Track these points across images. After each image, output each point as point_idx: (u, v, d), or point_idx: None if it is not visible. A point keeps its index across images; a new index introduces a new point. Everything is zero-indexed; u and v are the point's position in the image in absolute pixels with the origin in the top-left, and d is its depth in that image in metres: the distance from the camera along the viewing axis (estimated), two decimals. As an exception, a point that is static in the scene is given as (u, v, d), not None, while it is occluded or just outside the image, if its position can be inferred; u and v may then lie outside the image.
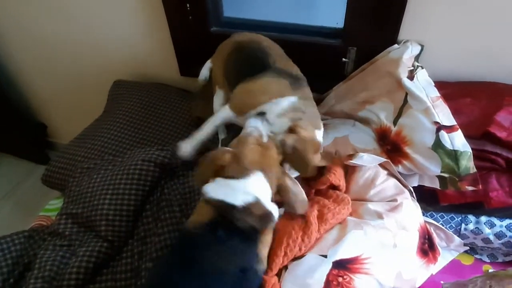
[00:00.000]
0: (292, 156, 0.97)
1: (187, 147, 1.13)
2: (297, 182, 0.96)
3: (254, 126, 0.99)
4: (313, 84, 1.45)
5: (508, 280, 0.63)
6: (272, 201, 0.91)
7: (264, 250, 0.91)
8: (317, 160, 1.03)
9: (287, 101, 1.04)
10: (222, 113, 1.16)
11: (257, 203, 0.87)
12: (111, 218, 1.13)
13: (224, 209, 0.86)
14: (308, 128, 1.01)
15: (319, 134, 1.05)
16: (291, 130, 1.00)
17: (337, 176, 1.09)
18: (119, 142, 1.41)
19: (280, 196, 0.93)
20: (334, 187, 1.11)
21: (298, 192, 0.95)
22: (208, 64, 1.36)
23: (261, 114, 1.03)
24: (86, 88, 1.93)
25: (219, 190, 0.89)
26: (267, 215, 0.88)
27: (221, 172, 0.90)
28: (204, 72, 1.38)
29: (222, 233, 0.85)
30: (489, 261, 1.19)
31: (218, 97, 1.30)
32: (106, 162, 1.30)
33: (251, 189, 0.88)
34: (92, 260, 1.07)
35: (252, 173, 0.89)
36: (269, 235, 0.93)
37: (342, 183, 1.11)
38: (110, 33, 1.65)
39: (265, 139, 0.97)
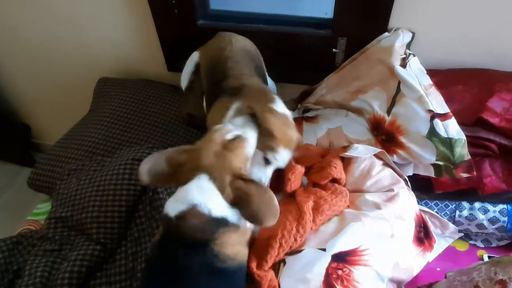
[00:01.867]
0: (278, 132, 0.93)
1: None
2: (268, 190, 0.84)
3: (223, 126, 0.93)
4: (303, 76, 1.44)
5: (510, 263, 0.63)
6: (229, 203, 0.83)
7: (227, 249, 0.83)
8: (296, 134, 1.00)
9: (232, 110, 1.01)
10: None
11: (192, 210, 0.79)
12: (102, 220, 1.10)
13: (166, 223, 0.82)
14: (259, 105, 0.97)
15: (278, 106, 1.00)
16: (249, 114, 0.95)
17: (338, 170, 1.08)
18: (107, 142, 1.37)
19: (241, 207, 0.82)
20: (334, 180, 1.10)
21: (265, 201, 0.82)
22: (194, 58, 1.32)
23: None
24: (70, 86, 1.87)
25: (170, 201, 0.84)
26: (211, 221, 0.80)
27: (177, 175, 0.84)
28: (189, 69, 1.33)
29: (169, 250, 0.81)
30: (483, 246, 1.21)
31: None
32: (95, 162, 1.27)
33: (188, 195, 0.80)
34: (84, 264, 1.04)
35: (195, 177, 0.82)
36: (230, 235, 0.84)
37: (343, 176, 1.10)
38: (93, 29, 1.60)
39: (229, 136, 0.88)
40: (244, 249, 0.89)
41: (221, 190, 0.81)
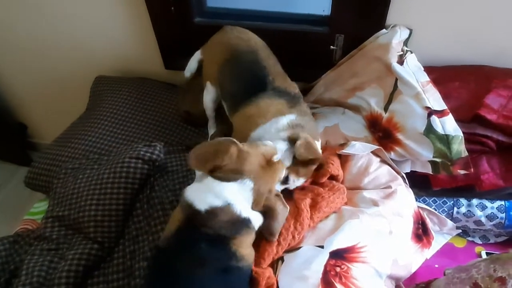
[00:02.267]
0: (306, 165, 1.00)
1: None
2: (287, 210, 0.94)
3: (274, 146, 0.97)
4: (301, 73, 1.44)
5: (509, 260, 0.64)
6: (252, 209, 0.88)
7: (242, 249, 0.86)
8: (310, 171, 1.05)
9: (286, 119, 1.04)
10: None
11: (226, 208, 0.83)
12: (99, 219, 1.09)
13: (190, 214, 0.83)
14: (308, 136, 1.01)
15: (318, 145, 1.06)
16: (291, 139, 0.99)
17: (335, 166, 1.08)
18: (104, 140, 1.36)
19: (264, 217, 0.90)
20: (331, 177, 1.10)
21: (281, 222, 0.93)
22: (197, 56, 1.32)
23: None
24: (66, 85, 1.86)
25: (195, 191, 0.86)
26: (239, 221, 0.84)
27: (217, 169, 0.87)
28: (192, 64, 1.33)
29: (189, 241, 0.83)
30: (481, 242, 1.21)
31: (209, 93, 1.26)
32: (92, 161, 1.26)
33: (226, 194, 0.84)
34: (82, 263, 1.03)
35: (241, 179, 0.86)
36: (245, 237, 0.87)
37: (340, 173, 1.10)
38: (89, 27, 1.59)
39: (275, 158, 0.93)
40: (252, 251, 0.91)
41: (256, 199, 0.87)
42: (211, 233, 0.82)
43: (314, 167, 1.04)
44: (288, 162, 0.98)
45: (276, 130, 1.02)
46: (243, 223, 0.85)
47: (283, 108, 1.06)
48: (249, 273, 0.89)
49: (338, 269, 0.93)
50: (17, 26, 1.67)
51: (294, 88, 1.14)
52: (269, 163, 0.91)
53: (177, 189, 1.18)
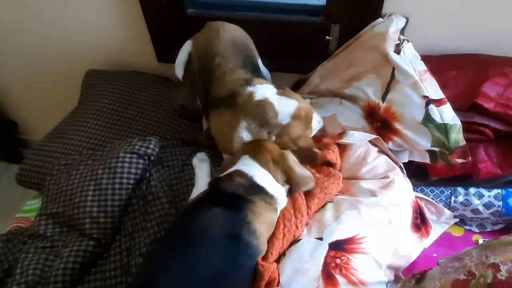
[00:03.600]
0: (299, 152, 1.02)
1: None
2: (300, 164, 1.00)
3: None
4: (296, 64, 1.42)
5: (502, 248, 0.64)
6: (280, 183, 0.96)
7: (257, 222, 0.90)
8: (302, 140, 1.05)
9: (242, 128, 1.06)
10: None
11: (240, 171, 0.93)
12: (95, 215, 1.07)
13: (213, 181, 0.95)
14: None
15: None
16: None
17: (335, 154, 1.07)
18: (98, 135, 1.34)
19: (288, 178, 0.97)
20: (329, 164, 1.09)
21: (302, 172, 0.99)
22: (187, 47, 1.28)
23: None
24: (56, 80, 1.82)
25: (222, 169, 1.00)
26: (253, 184, 0.92)
27: None
28: (182, 58, 1.29)
29: (209, 202, 0.91)
30: (478, 231, 1.22)
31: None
32: (85, 157, 1.23)
33: (236, 167, 0.95)
34: (78, 261, 1.01)
35: (237, 159, 0.98)
36: (264, 209, 0.92)
37: (338, 161, 1.10)
38: (78, 20, 1.55)
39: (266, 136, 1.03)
40: (266, 233, 0.93)
41: (263, 165, 0.96)
42: (228, 193, 0.90)
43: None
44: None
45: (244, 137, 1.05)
46: (259, 189, 0.92)
47: (233, 120, 1.06)
48: (254, 258, 0.88)
49: (338, 260, 0.92)
50: (3, 21, 1.62)
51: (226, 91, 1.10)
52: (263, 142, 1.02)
53: (173, 184, 1.17)
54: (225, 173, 0.96)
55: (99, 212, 1.07)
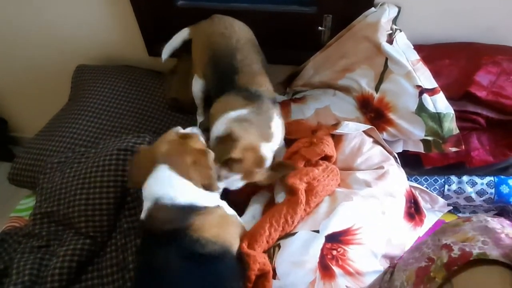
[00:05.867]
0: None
1: None
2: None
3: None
4: (289, 55, 1.41)
5: (451, 229, 0.68)
6: (199, 186, 0.87)
7: (206, 232, 0.83)
8: (259, 175, 1.00)
9: (236, 112, 1.02)
10: None
11: (156, 205, 0.81)
12: (90, 213, 1.07)
13: (141, 227, 0.86)
14: (248, 136, 0.97)
15: (265, 147, 1.00)
16: (227, 137, 0.96)
17: (330, 147, 1.07)
18: (90, 132, 1.32)
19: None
20: (325, 158, 1.09)
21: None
22: (183, 34, 1.27)
23: None
24: (46, 76, 1.79)
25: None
26: (179, 210, 0.81)
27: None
28: (175, 42, 1.28)
29: (148, 250, 0.82)
30: (471, 218, 1.23)
31: (198, 83, 1.25)
32: (79, 154, 1.22)
33: (151, 191, 0.83)
34: (75, 259, 1.01)
35: (154, 170, 0.84)
36: (205, 219, 0.84)
37: (334, 154, 1.10)
38: (66, 14, 1.52)
39: (184, 131, 0.93)
40: (224, 232, 0.88)
41: (186, 175, 0.83)
42: (160, 234, 0.80)
43: (239, 166, 0.96)
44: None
45: (221, 121, 1.01)
46: (186, 209, 0.82)
47: (237, 104, 1.05)
48: (228, 258, 0.86)
49: (334, 252, 0.93)
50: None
51: (259, 86, 1.11)
52: (181, 137, 0.91)
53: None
54: (144, 209, 0.84)
55: (94, 210, 1.07)
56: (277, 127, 1.06)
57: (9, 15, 1.57)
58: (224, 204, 0.94)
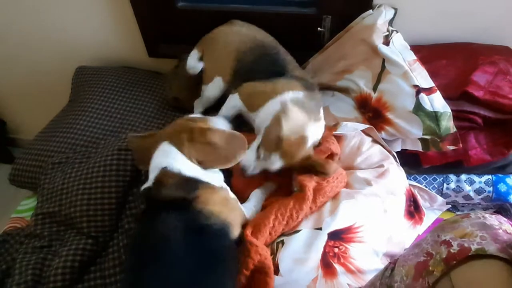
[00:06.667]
0: (279, 142, 0.97)
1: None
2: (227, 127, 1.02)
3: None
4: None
5: (450, 226, 0.69)
6: (192, 161, 0.91)
7: (209, 206, 0.88)
8: (298, 157, 1.01)
9: (292, 94, 1.06)
10: (231, 102, 1.17)
11: (164, 172, 0.88)
12: (92, 213, 1.07)
13: (146, 194, 0.90)
14: (300, 116, 1.00)
15: (311, 131, 1.02)
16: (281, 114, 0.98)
17: (335, 145, 1.09)
18: (91, 133, 1.33)
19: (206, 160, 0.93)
20: (330, 156, 1.10)
21: (230, 140, 0.96)
22: (194, 54, 1.28)
23: None
24: (45, 78, 1.79)
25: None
26: (186, 180, 0.87)
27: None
28: (192, 63, 1.29)
29: (153, 211, 0.87)
30: (469, 216, 1.25)
31: (215, 87, 1.25)
32: (80, 154, 1.22)
33: (156, 162, 0.90)
34: (77, 259, 1.02)
35: (158, 146, 0.92)
36: (209, 193, 0.89)
37: (339, 151, 1.11)
38: (66, 15, 1.52)
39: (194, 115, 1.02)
40: (227, 211, 0.91)
41: (181, 150, 0.90)
42: (168, 200, 0.85)
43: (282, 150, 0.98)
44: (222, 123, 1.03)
45: (277, 102, 1.04)
46: (192, 181, 0.88)
47: (295, 87, 1.09)
48: (226, 235, 0.89)
49: (336, 250, 0.94)
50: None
51: (311, 78, 1.19)
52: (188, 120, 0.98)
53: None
54: (151, 178, 0.89)
55: (96, 210, 1.07)
56: (323, 116, 1.13)
57: (9, 16, 1.57)
58: (227, 188, 0.97)
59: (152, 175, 0.89)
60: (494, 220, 0.66)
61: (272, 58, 1.18)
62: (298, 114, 0.99)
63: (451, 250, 0.61)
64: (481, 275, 0.58)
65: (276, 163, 1.00)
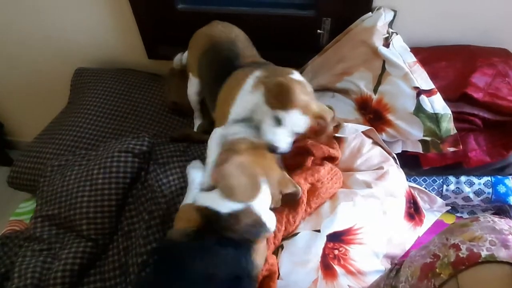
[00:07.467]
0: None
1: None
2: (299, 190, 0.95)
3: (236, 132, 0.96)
4: (288, 58, 1.42)
5: (459, 229, 0.69)
6: (270, 209, 0.88)
7: (258, 257, 0.85)
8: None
9: (252, 77, 1.01)
10: (215, 138, 1.07)
11: (247, 210, 0.82)
12: (92, 216, 1.06)
13: (211, 216, 0.82)
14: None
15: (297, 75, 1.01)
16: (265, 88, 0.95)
17: (336, 148, 1.09)
18: (91, 135, 1.32)
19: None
20: (329, 159, 1.10)
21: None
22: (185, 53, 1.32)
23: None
24: (44, 79, 1.79)
25: (212, 197, 0.85)
26: (259, 223, 0.84)
27: None
28: (177, 59, 1.33)
29: (210, 241, 0.81)
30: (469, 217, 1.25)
31: (193, 85, 1.27)
32: (79, 157, 1.22)
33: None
34: (77, 262, 1.01)
35: (260, 183, 0.85)
36: (263, 242, 0.88)
37: (340, 155, 1.11)
38: (65, 17, 1.52)
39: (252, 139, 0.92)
40: (263, 260, 0.90)
41: (273, 192, 0.87)
42: (235, 238, 0.81)
43: (307, 98, 0.93)
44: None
45: (249, 92, 0.99)
46: (261, 226, 0.84)
47: (247, 73, 1.03)
48: (255, 283, 0.87)
49: (336, 251, 0.94)
50: (-14, 18, 1.58)
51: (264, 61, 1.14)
52: (258, 149, 0.90)
53: (170, 180, 1.16)
54: (228, 210, 0.82)
55: (96, 212, 1.06)
56: None
57: (7, 17, 1.56)
58: None
59: (229, 204, 0.82)
60: (504, 224, 0.65)
61: (225, 55, 1.13)
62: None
63: (460, 254, 0.61)
64: (489, 280, 0.58)
65: (299, 119, 0.92)
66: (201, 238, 0.83)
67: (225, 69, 1.09)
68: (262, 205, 0.85)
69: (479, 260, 0.58)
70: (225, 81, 1.08)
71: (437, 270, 0.62)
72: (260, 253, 0.86)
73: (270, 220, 0.87)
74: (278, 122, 0.92)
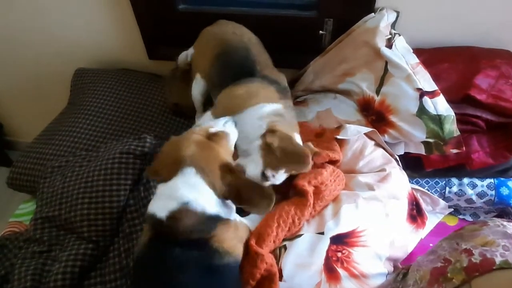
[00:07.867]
0: (283, 156, 0.93)
1: None
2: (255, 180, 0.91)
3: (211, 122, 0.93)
4: (290, 59, 1.42)
5: (469, 234, 0.69)
6: (220, 197, 0.81)
7: (226, 243, 0.81)
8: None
9: (272, 107, 1.03)
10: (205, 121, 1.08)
11: (184, 209, 0.75)
12: (92, 217, 1.06)
13: (155, 224, 0.78)
14: (286, 128, 0.99)
15: (297, 138, 1.02)
16: (270, 131, 0.96)
17: (337, 152, 1.08)
18: (91, 136, 1.32)
19: (234, 199, 0.82)
20: (331, 162, 1.09)
21: (257, 190, 0.84)
22: (190, 51, 1.30)
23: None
24: (44, 79, 1.78)
25: (154, 200, 0.80)
26: (206, 219, 0.77)
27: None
28: (182, 57, 1.31)
29: (163, 250, 0.77)
30: (472, 220, 1.25)
31: (198, 85, 1.25)
32: (80, 158, 1.21)
33: (177, 193, 0.76)
34: (77, 264, 1.00)
35: (180, 172, 0.77)
36: (227, 229, 0.82)
37: (341, 158, 1.10)
38: (65, 17, 1.51)
39: (212, 130, 0.87)
40: (239, 244, 0.88)
41: (211, 184, 0.79)
42: (182, 239, 0.76)
43: (295, 163, 0.97)
44: (234, 134, 0.94)
45: (258, 115, 1.00)
46: (213, 219, 0.78)
47: (273, 96, 1.06)
48: (237, 269, 0.85)
49: (339, 254, 0.93)
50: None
51: (283, 80, 1.16)
52: (209, 138, 0.85)
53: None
54: (163, 206, 0.77)
55: (96, 214, 1.06)
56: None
57: (7, 18, 1.56)
58: (236, 215, 0.92)
59: (168, 204, 0.76)
60: None
61: (239, 61, 1.14)
62: (285, 128, 0.98)
63: (473, 259, 0.60)
64: (504, 286, 0.57)
65: (282, 177, 0.98)
66: (155, 248, 0.79)
67: (239, 76, 1.11)
68: (200, 200, 0.77)
69: (494, 268, 0.57)
70: (241, 81, 1.09)
71: (449, 275, 0.61)
72: (228, 239, 0.81)
73: (223, 209, 0.81)
74: (264, 177, 0.95)
